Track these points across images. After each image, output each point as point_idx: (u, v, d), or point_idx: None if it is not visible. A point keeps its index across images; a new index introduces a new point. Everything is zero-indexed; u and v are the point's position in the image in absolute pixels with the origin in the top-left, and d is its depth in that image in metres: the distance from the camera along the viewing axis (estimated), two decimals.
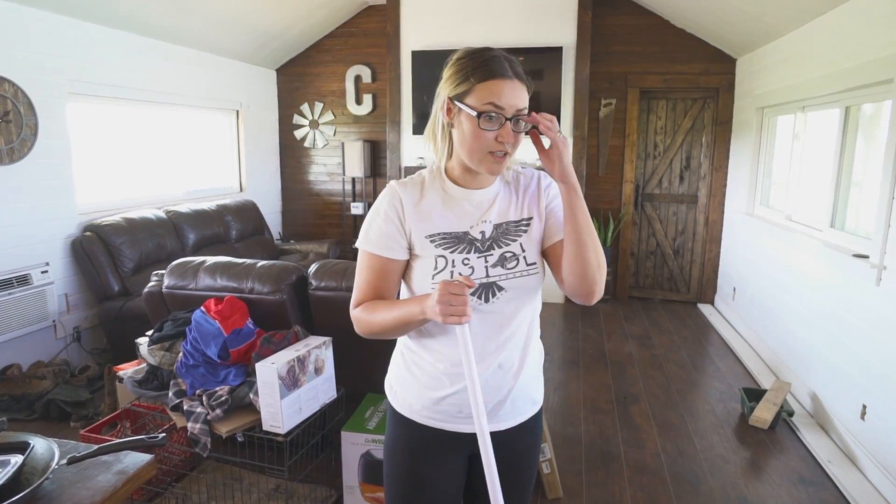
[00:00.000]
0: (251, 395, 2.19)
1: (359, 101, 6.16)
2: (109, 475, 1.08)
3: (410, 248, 1.26)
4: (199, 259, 2.69)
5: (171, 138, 4.94)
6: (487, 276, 1.23)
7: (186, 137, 5.14)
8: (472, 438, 1.24)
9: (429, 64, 5.56)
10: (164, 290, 2.66)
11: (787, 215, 4.15)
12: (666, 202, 5.81)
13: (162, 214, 4.34)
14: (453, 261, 1.23)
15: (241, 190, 5.89)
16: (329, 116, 6.29)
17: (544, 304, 5.89)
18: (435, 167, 1.29)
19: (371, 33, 6.04)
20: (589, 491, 2.67)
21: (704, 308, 5.61)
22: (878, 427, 2.71)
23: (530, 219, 1.29)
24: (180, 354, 2.35)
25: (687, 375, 4.04)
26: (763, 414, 3.26)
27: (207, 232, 4.66)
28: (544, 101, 5.43)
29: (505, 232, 1.27)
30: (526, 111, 1.17)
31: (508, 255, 1.25)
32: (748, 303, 4.71)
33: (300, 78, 6.32)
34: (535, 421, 1.39)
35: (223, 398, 2.18)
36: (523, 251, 1.27)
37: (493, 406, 1.29)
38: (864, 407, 2.82)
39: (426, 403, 1.30)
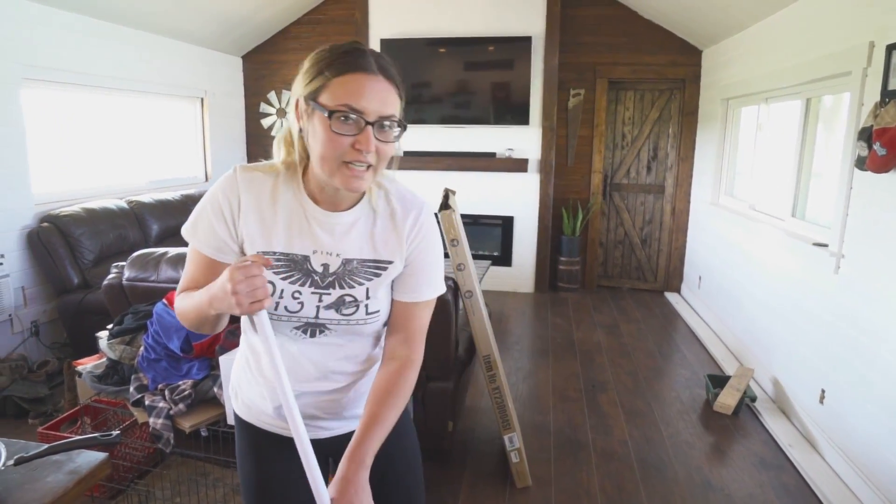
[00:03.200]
0: (215, 389, 2.15)
1: None
2: (60, 475, 1.04)
3: (242, 253, 1.08)
4: (160, 250, 2.62)
5: (133, 126, 4.80)
6: (317, 317, 1.08)
7: (149, 125, 4.99)
8: (325, 443, 1.17)
9: (398, 52, 5.50)
10: (124, 282, 2.59)
11: (751, 205, 4.23)
12: (634, 192, 5.87)
13: (124, 204, 4.22)
14: (282, 290, 1.06)
15: (206, 179, 5.76)
16: None
17: (514, 293, 5.88)
18: (291, 171, 1.08)
19: (339, 20, 5.95)
20: (558, 479, 2.70)
21: (671, 296, 5.70)
22: (835, 411, 2.79)
23: (390, 263, 1.11)
24: (141, 348, 2.29)
25: (654, 363, 4.10)
26: (727, 400, 3.32)
27: (171, 222, 4.54)
28: (514, 92, 5.42)
29: (353, 272, 1.08)
30: (395, 119, 1.00)
31: (349, 299, 1.08)
32: (713, 291, 4.80)
33: (266, 65, 6.19)
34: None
35: (186, 392, 2.13)
36: (367, 298, 1.09)
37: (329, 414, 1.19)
38: (823, 391, 2.89)
39: (265, 408, 1.17)
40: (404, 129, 1.03)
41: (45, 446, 1.06)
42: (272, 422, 1.17)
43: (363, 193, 1.09)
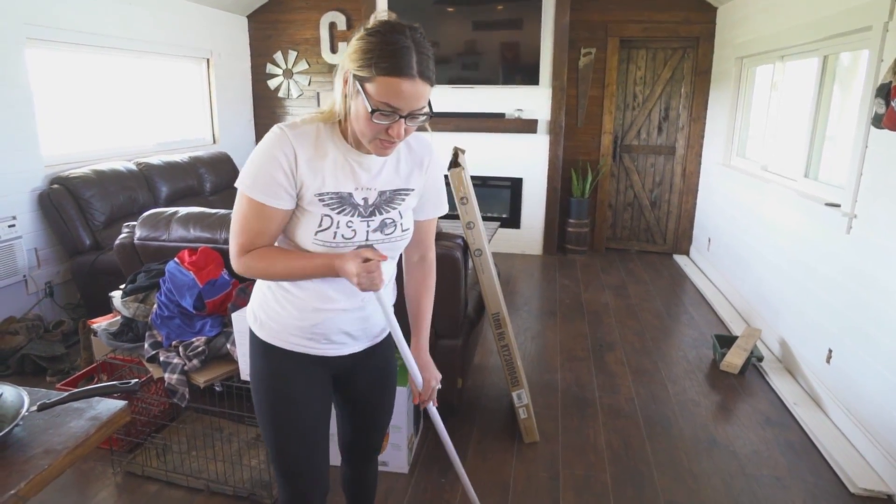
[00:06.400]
0: (228, 346, 2.19)
1: (334, 50, 5.98)
2: (82, 421, 1.07)
3: (298, 200, 1.25)
4: (171, 210, 2.63)
5: (139, 88, 4.77)
6: (367, 239, 1.29)
7: (156, 87, 4.96)
8: (335, 361, 1.41)
9: (405, 10, 5.40)
10: (135, 241, 2.61)
11: (763, 166, 4.18)
12: (644, 153, 5.81)
13: (132, 167, 4.22)
14: (338, 222, 1.25)
15: (214, 142, 5.74)
16: (303, 65, 6.11)
17: (523, 255, 5.89)
18: (329, 123, 1.26)
19: None
20: (565, 434, 2.74)
21: (680, 259, 5.69)
22: (842, 370, 2.81)
23: (412, 190, 1.36)
24: (154, 306, 2.32)
25: (661, 324, 4.12)
26: (733, 359, 3.35)
27: (181, 184, 4.55)
28: (523, 51, 5.33)
29: (388, 200, 1.32)
30: (425, 109, 1.17)
31: (388, 221, 1.32)
32: (722, 253, 4.79)
33: (273, 25, 6.10)
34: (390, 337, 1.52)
35: (200, 349, 2.17)
36: (401, 218, 1.34)
37: (377, 331, 1.46)
38: (830, 351, 2.91)
39: (294, 332, 1.36)
40: (431, 113, 1.20)
41: (66, 393, 1.09)
42: (298, 341, 1.36)
43: None
